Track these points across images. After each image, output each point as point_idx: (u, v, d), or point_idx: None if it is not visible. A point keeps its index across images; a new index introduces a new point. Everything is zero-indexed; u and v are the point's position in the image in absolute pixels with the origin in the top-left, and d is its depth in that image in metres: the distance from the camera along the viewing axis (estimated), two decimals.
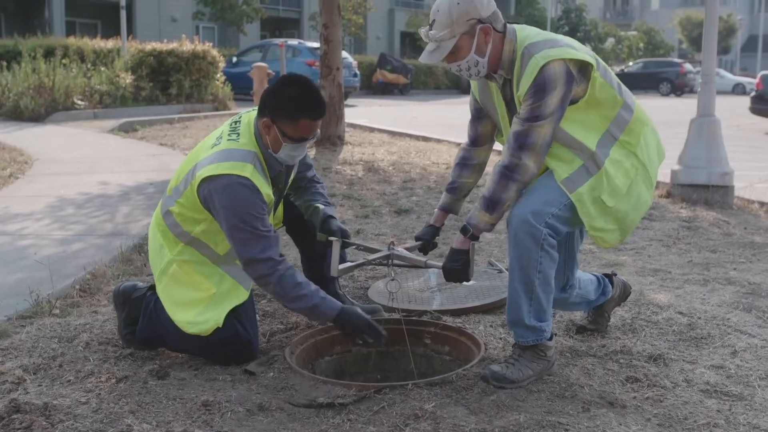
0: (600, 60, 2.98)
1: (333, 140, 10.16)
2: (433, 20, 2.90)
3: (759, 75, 18.23)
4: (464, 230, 3.00)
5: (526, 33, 2.93)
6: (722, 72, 43.93)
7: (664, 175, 7.30)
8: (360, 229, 5.53)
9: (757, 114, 17.38)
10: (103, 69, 16.32)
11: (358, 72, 24.44)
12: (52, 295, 3.98)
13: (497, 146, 3.29)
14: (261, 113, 3.09)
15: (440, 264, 3.11)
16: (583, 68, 2.84)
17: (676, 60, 41.07)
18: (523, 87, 2.84)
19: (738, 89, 40.29)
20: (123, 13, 20.13)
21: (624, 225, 3.01)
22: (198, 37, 18.92)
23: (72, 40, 18.50)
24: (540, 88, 2.78)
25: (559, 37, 2.93)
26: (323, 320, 3.15)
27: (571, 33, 46.80)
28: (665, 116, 16.67)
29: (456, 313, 3.73)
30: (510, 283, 2.99)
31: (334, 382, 2.93)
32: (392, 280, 3.26)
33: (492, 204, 2.89)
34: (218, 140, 3.14)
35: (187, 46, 17.03)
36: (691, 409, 2.73)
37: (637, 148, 2.99)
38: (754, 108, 17.43)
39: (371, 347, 3.23)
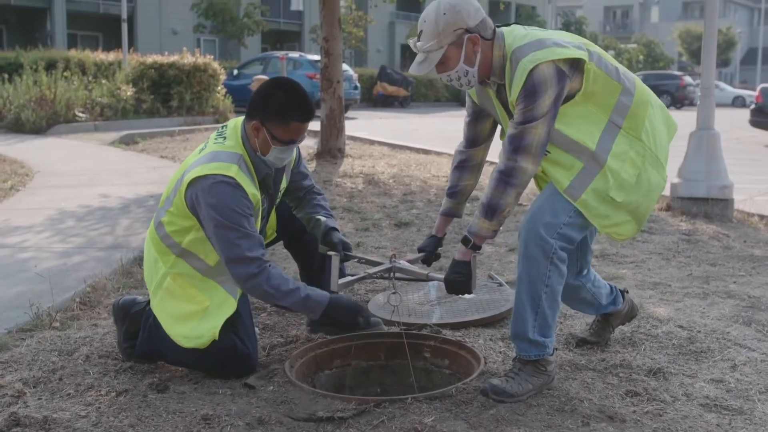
0: (594, 48, 2.94)
1: (333, 153, 10.18)
2: (421, 31, 2.90)
3: (758, 88, 18.30)
4: (465, 241, 2.99)
5: (513, 36, 2.91)
6: (722, 85, 44.06)
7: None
8: (360, 242, 5.54)
9: (756, 127, 17.43)
10: (104, 81, 16.38)
11: (358, 85, 24.49)
12: (53, 308, 3.98)
13: (492, 157, 3.28)
14: (250, 116, 3.10)
15: (442, 276, 3.11)
16: (575, 63, 2.82)
17: (676, 73, 41.17)
18: (514, 93, 2.83)
19: (738, 102, 40.39)
20: (124, 26, 20.24)
21: (638, 214, 2.99)
22: (199, 50, 18.99)
23: (73, 53, 18.57)
24: (530, 92, 2.77)
25: (546, 35, 2.89)
26: (316, 310, 3.09)
27: None
28: None
29: (456, 326, 3.73)
30: (516, 296, 2.99)
31: (333, 396, 2.93)
32: (394, 293, 3.26)
33: (491, 210, 2.88)
34: (205, 145, 3.19)
35: (188, 59, 17.09)
36: (691, 423, 2.73)
37: (642, 133, 2.95)
38: (753, 121, 17.49)
39: (363, 332, 3.18)
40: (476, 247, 3.00)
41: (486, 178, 3.46)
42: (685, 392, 3.00)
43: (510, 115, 2.93)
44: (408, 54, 43.55)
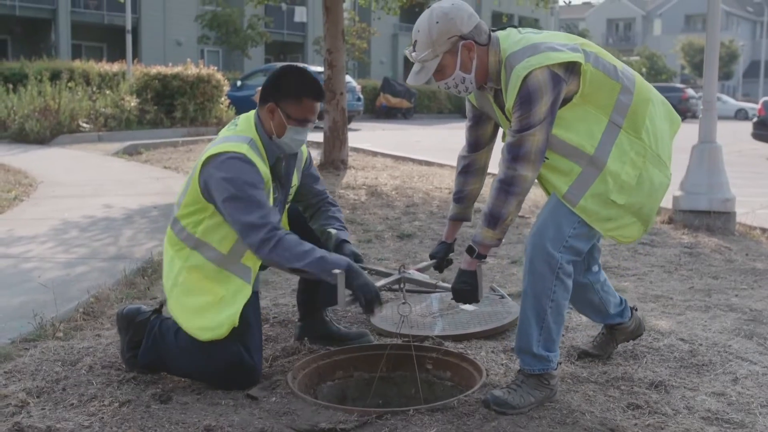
0: (590, 48, 2.92)
1: (336, 164, 10.20)
2: (415, 41, 2.91)
3: (761, 101, 18.31)
4: (470, 250, 2.99)
5: (508, 40, 2.90)
6: (724, 97, 44.10)
7: (666, 201, 7.30)
8: (363, 254, 5.51)
9: (759, 140, 17.44)
10: (108, 92, 16.45)
11: (361, 96, 24.56)
12: (56, 318, 3.99)
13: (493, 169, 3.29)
14: (263, 101, 3.19)
15: (450, 286, 3.12)
16: (571, 66, 2.80)
17: (679, 85, 41.24)
18: (509, 100, 2.83)
19: (740, 114, 40.43)
20: (128, 37, 20.33)
21: (642, 215, 2.98)
22: (203, 61, 19.06)
23: (77, 64, 18.66)
24: (526, 99, 2.76)
25: (541, 38, 2.87)
26: (332, 270, 3.01)
27: None
28: None
29: (458, 338, 3.74)
30: (521, 310, 3.00)
31: (336, 407, 2.94)
32: (404, 303, 3.25)
33: (493, 219, 2.88)
34: (217, 137, 3.27)
35: (191, 70, 17.16)
36: None
37: (642, 132, 2.93)
38: (756, 134, 17.49)
39: (363, 310, 3.16)
40: (481, 257, 2.99)
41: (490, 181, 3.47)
42: (687, 405, 3.01)
43: (509, 120, 2.92)
44: (410, 66, 43.66)
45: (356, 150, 12.83)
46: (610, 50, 2.98)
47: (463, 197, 3.34)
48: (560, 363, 3.34)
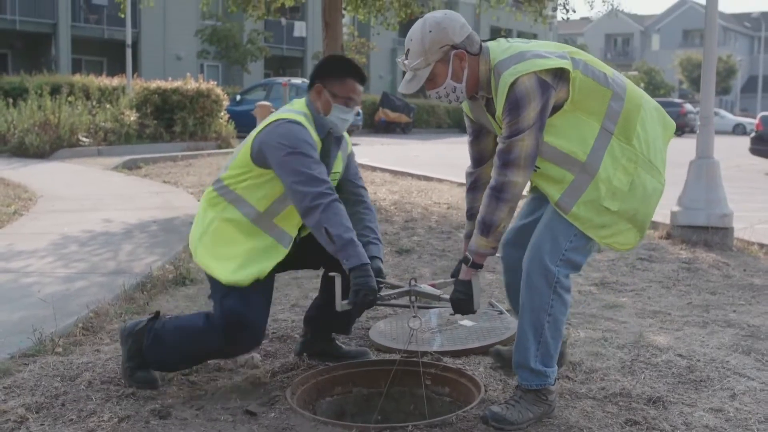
0: (579, 56, 2.94)
1: None
2: (408, 50, 2.94)
3: (758, 116, 18.36)
4: (465, 260, 3.01)
5: (497, 50, 2.93)
6: (722, 112, 44.26)
7: (663, 216, 7.35)
8: None
9: (756, 155, 17.47)
10: (108, 106, 16.48)
11: (360, 111, 24.61)
12: (55, 333, 4.00)
13: None
14: (311, 84, 3.38)
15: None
16: (559, 73, 2.83)
17: (677, 100, 41.34)
18: (499, 107, 2.86)
19: (738, 129, 40.53)
20: (128, 52, 20.38)
21: (637, 221, 2.99)
22: (202, 76, 19.12)
23: (78, 78, 18.70)
24: (514, 105, 2.79)
25: (527, 47, 2.90)
26: (353, 259, 3.04)
27: None
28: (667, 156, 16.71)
29: (456, 354, 3.75)
30: (519, 325, 3.01)
31: (334, 423, 2.94)
32: (414, 316, 3.25)
33: (486, 227, 2.90)
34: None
35: (191, 85, 17.21)
36: None
37: (633, 138, 2.95)
38: (753, 149, 17.53)
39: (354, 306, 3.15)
40: (477, 266, 3.00)
41: None
42: (685, 421, 3.01)
43: (501, 127, 2.94)
44: None
45: None
46: (608, 65, 3.00)
47: (475, 213, 3.33)
48: (558, 378, 3.35)
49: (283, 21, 36.52)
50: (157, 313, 3.43)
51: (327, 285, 3.64)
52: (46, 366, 3.56)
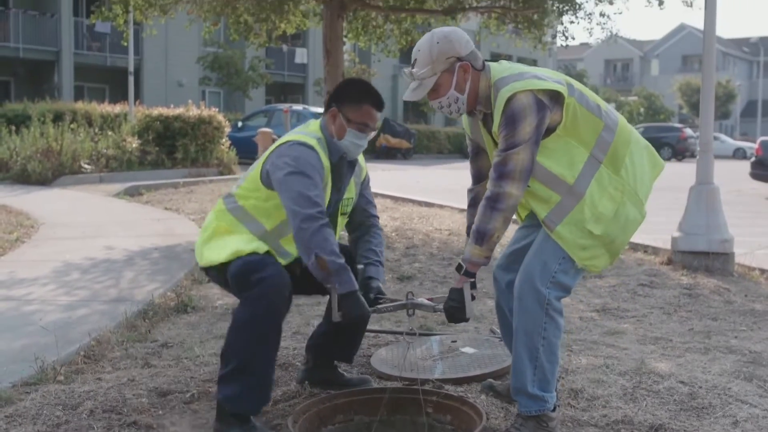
0: (576, 85, 3.05)
1: None
2: (415, 59, 3.05)
3: (758, 140, 18.41)
4: (458, 268, 3.06)
5: (499, 68, 3.05)
6: (722, 137, 44.35)
7: (664, 241, 7.36)
8: None
9: (757, 179, 17.49)
10: (110, 133, 16.57)
11: None
12: (57, 361, 4.00)
13: None
14: (327, 107, 3.40)
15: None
16: (554, 96, 2.92)
17: (677, 125, 41.45)
18: (495, 121, 2.95)
19: (738, 154, 40.62)
20: (131, 79, 20.52)
21: (612, 248, 3.06)
22: (204, 102, 19.23)
23: (80, 105, 18.81)
24: (510, 119, 2.88)
25: (528, 69, 3.02)
26: (342, 285, 3.08)
27: None
28: (666, 182, 16.75)
29: (458, 381, 3.75)
30: (514, 349, 3.03)
31: None
32: (411, 329, 3.28)
33: (480, 235, 2.95)
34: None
35: (193, 111, 17.31)
36: None
37: (621, 169, 3.03)
38: (754, 173, 17.55)
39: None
40: (469, 274, 3.04)
41: None
42: None
43: (495, 143, 3.03)
44: (411, 107, 43.96)
45: None
46: (608, 90, 3.05)
47: None
48: (559, 405, 3.35)
49: (285, 48, 36.72)
50: None
51: (330, 313, 3.65)
52: (47, 395, 3.55)
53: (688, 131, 37.27)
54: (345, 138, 3.34)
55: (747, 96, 71.99)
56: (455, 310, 3.07)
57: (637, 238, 8.02)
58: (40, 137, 15.18)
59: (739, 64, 76.47)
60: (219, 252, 3.25)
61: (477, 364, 3.94)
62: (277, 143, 3.34)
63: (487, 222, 2.93)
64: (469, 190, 3.43)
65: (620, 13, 42.49)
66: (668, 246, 7.21)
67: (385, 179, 17.73)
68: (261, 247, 3.22)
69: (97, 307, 5.35)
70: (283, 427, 3.16)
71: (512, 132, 2.87)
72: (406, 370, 3.80)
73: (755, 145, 18.83)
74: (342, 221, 3.55)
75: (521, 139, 2.86)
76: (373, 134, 3.45)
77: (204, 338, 4.55)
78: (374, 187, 13.07)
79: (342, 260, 3.09)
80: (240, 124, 23.01)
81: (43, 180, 14.37)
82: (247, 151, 18.32)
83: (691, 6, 10.70)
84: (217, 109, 18.57)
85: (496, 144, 3.02)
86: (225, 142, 17.97)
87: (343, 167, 3.42)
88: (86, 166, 15.27)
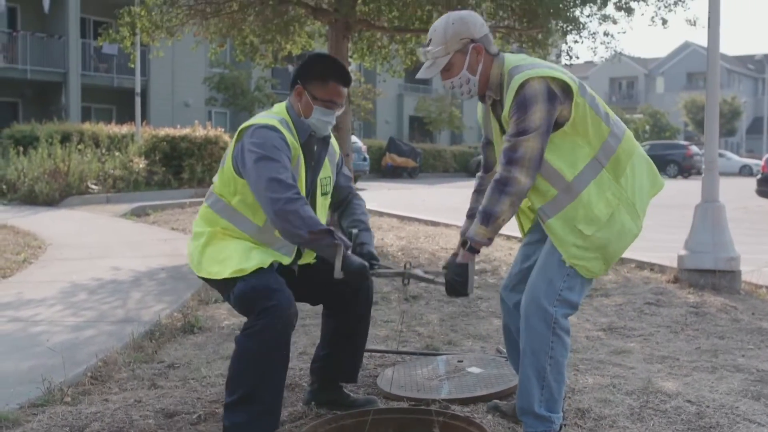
0: (588, 88, 3.07)
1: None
2: (430, 39, 3.09)
3: (764, 157, 18.40)
4: (464, 244, 3.07)
5: (514, 58, 3.09)
6: (728, 154, 44.33)
7: (670, 259, 7.35)
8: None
9: (763, 196, 17.45)
10: (117, 154, 16.66)
11: (367, 156, 24.77)
12: (64, 382, 4.01)
13: None
14: (293, 85, 3.36)
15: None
16: (566, 90, 2.94)
17: (682, 142, 41.46)
18: (506, 105, 2.97)
19: (745, 171, 40.57)
20: (137, 100, 20.63)
21: (606, 253, 3.04)
22: (210, 122, 19.32)
23: (87, 126, 18.93)
24: (521, 104, 2.90)
25: (543, 62, 3.06)
26: (336, 242, 3.08)
27: None
28: (673, 199, 16.77)
29: (464, 402, 3.74)
30: (521, 369, 3.03)
31: None
32: (405, 300, 3.29)
33: (486, 217, 2.96)
34: None
35: (199, 132, 17.40)
36: None
37: (621, 178, 3.04)
38: (760, 190, 17.51)
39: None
40: (473, 251, 3.05)
41: None
42: None
43: (503, 132, 3.07)
44: (416, 125, 44.07)
45: None
46: (613, 108, 3.06)
47: (474, 214, 3.36)
48: (566, 425, 3.34)
49: (290, 68, 36.92)
50: None
51: (327, 332, 3.67)
52: (54, 416, 3.56)
53: (694, 148, 37.27)
54: (312, 116, 3.32)
55: (752, 113, 72.05)
56: (458, 284, 3.07)
57: (643, 256, 8.02)
58: (48, 158, 15.28)
59: (744, 81, 76.57)
60: (220, 268, 3.22)
61: (483, 384, 3.94)
62: (239, 129, 3.29)
63: (495, 204, 2.94)
64: (478, 176, 3.46)
65: (624, 33, 42.54)
66: (675, 264, 7.20)
67: (391, 198, 17.75)
68: (263, 260, 3.19)
69: (104, 327, 5.36)
70: None
71: (523, 117, 2.89)
72: (412, 391, 3.80)
73: (761, 162, 18.82)
74: (323, 202, 3.52)
75: (532, 125, 2.88)
76: (341, 110, 3.41)
77: (210, 359, 4.56)
78: (381, 207, 13.04)
79: (322, 226, 3.08)
80: None
81: (51, 201, 14.44)
82: None
83: (695, 25, 10.73)
84: (223, 130, 18.67)
85: (503, 131, 3.07)
86: None
87: (313, 144, 3.40)
88: (93, 186, 15.34)
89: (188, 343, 4.99)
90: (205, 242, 3.32)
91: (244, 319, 3.22)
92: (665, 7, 10.39)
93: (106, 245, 9.58)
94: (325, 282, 3.32)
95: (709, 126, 7.27)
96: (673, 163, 36.03)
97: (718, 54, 7.29)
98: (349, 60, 11.36)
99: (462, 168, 35.45)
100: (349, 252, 3.16)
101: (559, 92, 2.92)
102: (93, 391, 4.00)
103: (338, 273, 3.10)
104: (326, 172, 3.50)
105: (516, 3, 9.74)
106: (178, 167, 17.02)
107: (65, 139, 16.58)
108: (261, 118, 3.32)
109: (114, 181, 15.84)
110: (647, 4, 10.16)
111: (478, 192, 3.41)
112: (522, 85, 2.90)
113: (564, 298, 2.99)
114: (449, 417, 3.43)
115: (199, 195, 16.12)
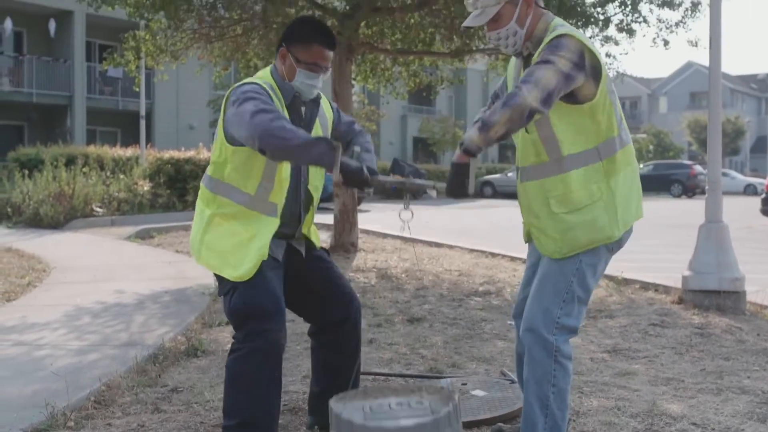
0: (613, 87, 3.06)
1: (346, 247, 10.27)
2: None
3: None
4: (460, 144, 3.00)
5: (560, 20, 3.07)
6: (733, 173, 44.27)
7: (675, 280, 7.33)
8: (372, 339, 5.55)
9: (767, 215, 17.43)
10: (122, 176, 16.72)
11: None
12: (67, 407, 4.00)
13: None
14: (278, 47, 3.36)
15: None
16: (596, 68, 2.91)
17: (687, 162, 41.44)
18: (537, 53, 2.94)
19: (749, 190, 40.50)
20: (142, 122, 20.75)
21: (566, 239, 3.00)
22: None
23: (92, 149, 19.04)
24: (554, 45, 2.88)
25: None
26: (329, 144, 3.01)
27: None
28: (678, 219, 16.76)
29: (468, 425, 3.72)
30: (525, 398, 3.01)
31: None
32: (406, 208, 3.28)
33: (483, 124, 2.86)
34: None
35: (204, 154, 17.46)
36: None
37: (612, 180, 3.00)
38: (765, 210, 17.50)
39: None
40: (468, 152, 2.94)
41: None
42: None
43: None
44: (420, 146, 44.17)
45: (366, 231, 12.90)
46: None
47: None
48: None
49: None
50: None
51: (318, 368, 3.72)
52: None
53: (698, 168, 37.22)
54: (295, 79, 3.30)
55: (756, 132, 72.10)
56: (457, 182, 2.97)
57: (647, 276, 8.01)
58: (53, 181, 15.34)
59: (747, 100, 76.68)
60: (218, 263, 3.27)
61: (487, 407, 3.92)
62: (229, 89, 3.29)
63: (494, 114, 2.85)
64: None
65: (626, 54, 42.72)
66: (679, 285, 7.18)
67: (394, 219, 17.72)
68: (260, 254, 3.20)
69: (108, 351, 5.36)
70: None
71: (551, 52, 2.86)
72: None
73: (765, 181, 18.81)
74: (314, 194, 3.53)
75: (556, 60, 2.83)
76: (327, 74, 3.38)
77: (214, 382, 4.55)
78: (384, 228, 12.98)
79: (309, 137, 3.03)
80: None
81: (55, 223, 14.48)
82: None
83: (696, 46, 10.78)
84: None
85: None
86: None
87: (299, 107, 3.38)
88: (98, 209, 15.39)
89: (192, 366, 4.98)
90: (203, 229, 3.35)
91: None
92: (666, 28, 10.45)
93: (111, 268, 9.59)
94: (316, 293, 3.43)
95: (711, 146, 7.27)
96: (677, 182, 35.98)
97: (720, 74, 7.32)
98: (353, 82, 11.42)
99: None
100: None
101: (588, 65, 2.89)
102: (96, 415, 4.00)
103: (337, 176, 3.04)
104: (317, 132, 3.45)
105: None
106: (183, 189, 17.06)
107: (70, 162, 16.65)
108: (245, 81, 3.31)
109: (119, 203, 15.89)
110: (648, 26, 10.22)
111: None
112: (560, 35, 2.90)
113: (562, 324, 2.97)
114: None
115: None
